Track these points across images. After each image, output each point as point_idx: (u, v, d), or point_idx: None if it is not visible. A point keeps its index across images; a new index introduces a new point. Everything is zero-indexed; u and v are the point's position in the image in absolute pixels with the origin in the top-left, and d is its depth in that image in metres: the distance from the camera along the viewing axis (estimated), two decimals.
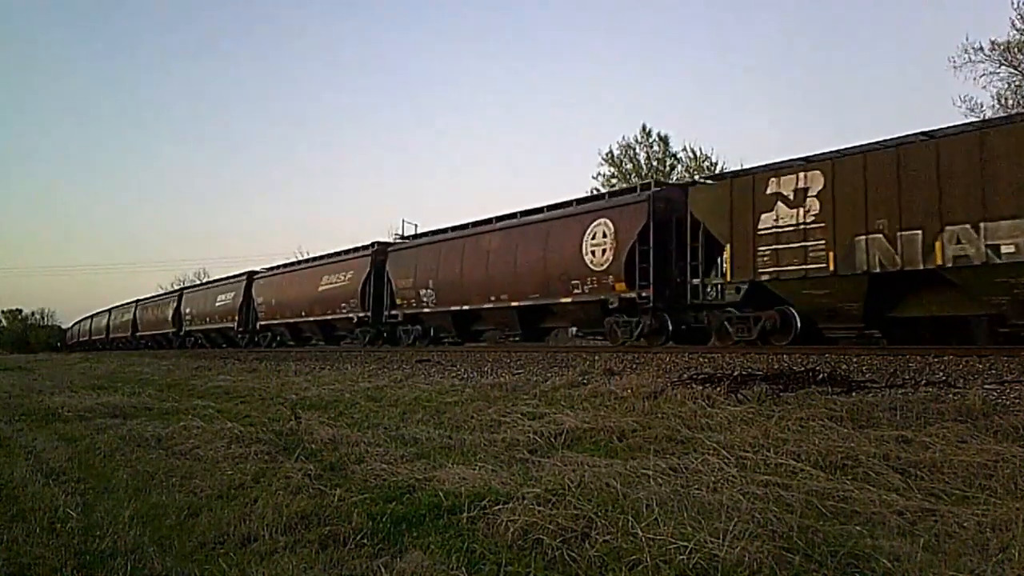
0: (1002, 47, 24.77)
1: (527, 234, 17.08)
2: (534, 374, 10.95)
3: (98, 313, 58.20)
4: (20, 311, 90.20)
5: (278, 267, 30.87)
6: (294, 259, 30.09)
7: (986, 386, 6.75)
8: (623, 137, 44.78)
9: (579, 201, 16.83)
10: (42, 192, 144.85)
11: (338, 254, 25.70)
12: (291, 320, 27.19)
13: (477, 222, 19.46)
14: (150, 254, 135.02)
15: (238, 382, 13.84)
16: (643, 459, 4.93)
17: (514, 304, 16.95)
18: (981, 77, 25.13)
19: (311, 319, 25.66)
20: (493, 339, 19.72)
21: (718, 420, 6.20)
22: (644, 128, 40.81)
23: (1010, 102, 24.59)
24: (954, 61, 25.46)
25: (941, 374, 7.76)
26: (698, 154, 39.17)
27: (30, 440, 7.96)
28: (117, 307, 52.68)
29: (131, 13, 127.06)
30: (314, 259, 27.66)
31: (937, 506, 3.69)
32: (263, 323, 29.41)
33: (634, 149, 40.92)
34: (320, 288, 25.06)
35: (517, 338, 18.04)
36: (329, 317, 24.52)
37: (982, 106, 24.84)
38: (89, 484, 5.63)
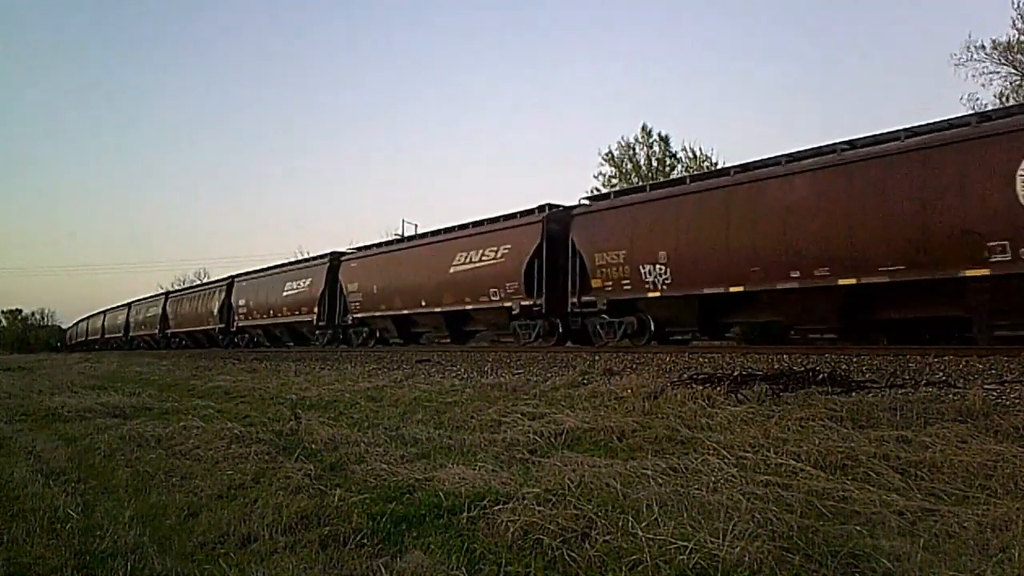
0: (1003, 47, 24.76)
1: (869, 174, 11.07)
2: (534, 374, 10.94)
3: (113, 308, 52.45)
4: (20, 311, 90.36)
5: (374, 246, 24.19)
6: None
7: (986, 386, 6.75)
8: (623, 137, 44.78)
9: (982, 117, 10.67)
10: (42, 192, 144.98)
11: (480, 223, 19.03)
12: (403, 312, 20.78)
13: (747, 165, 13.43)
14: (149, 254, 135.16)
15: (238, 382, 13.83)
16: (643, 459, 4.92)
17: (844, 282, 11.19)
18: (982, 76, 25.11)
19: (437, 310, 19.30)
20: (743, 335, 14.27)
21: (718, 420, 6.20)
22: (644, 128, 40.82)
23: (1011, 101, 24.55)
24: (956, 60, 25.42)
25: (941, 374, 7.75)
26: (698, 154, 39.18)
27: (30, 440, 7.96)
28: (139, 301, 46.76)
29: (131, 12, 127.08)
30: (437, 233, 20.79)
31: (937, 506, 3.69)
32: (359, 316, 22.85)
33: (634, 149, 40.94)
34: (453, 270, 18.66)
35: (834, 337, 12.58)
36: (468, 307, 18.29)
37: (985, 106, 24.80)
38: (89, 484, 5.63)
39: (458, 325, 19.51)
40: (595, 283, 15.23)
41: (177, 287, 40.09)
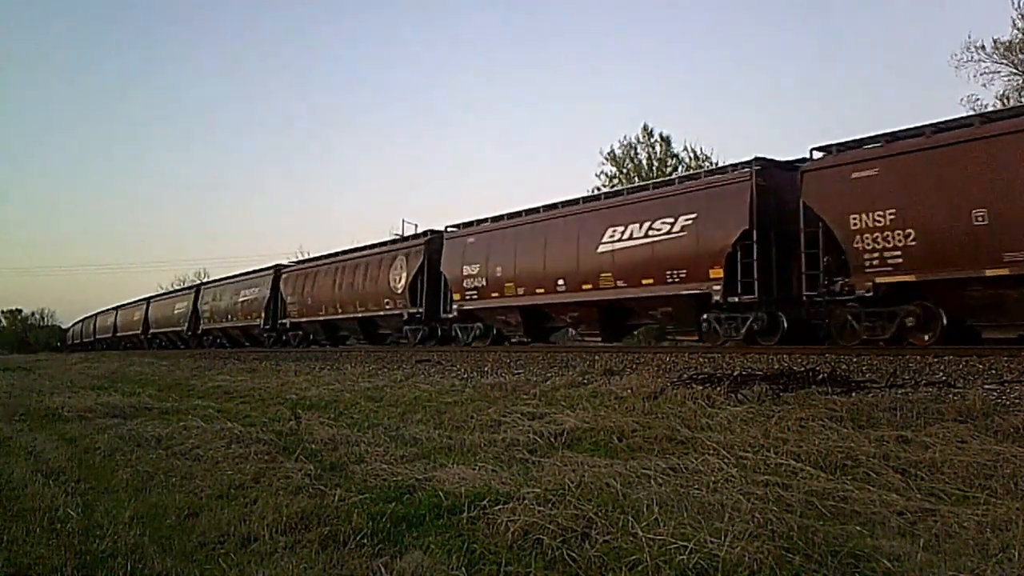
0: (1005, 46, 24.71)
1: None
2: (534, 374, 10.94)
3: (160, 297, 40.14)
4: (20, 311, 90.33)
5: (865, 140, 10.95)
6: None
7: (986, 386, 6.76)
8: (624, 137, 44.80)
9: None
10: (42, 192, 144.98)
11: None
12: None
13: None
14: (150, 254, 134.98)
15: (238, 382, 13.83)
16: (643, 459, 4.93)
17: None
18: (983, 76, 25.05)
19: None
20: None
21: (718, 420, 6.20)
22: (645, 128, 40.81)
23: (1011, 101, 24.53)
24: (956, 60, 25.36)
25: (941, 374, 7.75)
26: (698, 154, 39.19)
27: (30, 440, 7.96)
28: (213, 284, 33.14)
29: (131, 12, 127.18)
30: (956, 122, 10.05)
31: (937, 506, 3.69)
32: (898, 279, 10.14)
33: (635, 149, 40.96)
34: None
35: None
36: None
37: (985, 106, 24.76)
38: (89, 484, 5.63)
39: None
40: None
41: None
